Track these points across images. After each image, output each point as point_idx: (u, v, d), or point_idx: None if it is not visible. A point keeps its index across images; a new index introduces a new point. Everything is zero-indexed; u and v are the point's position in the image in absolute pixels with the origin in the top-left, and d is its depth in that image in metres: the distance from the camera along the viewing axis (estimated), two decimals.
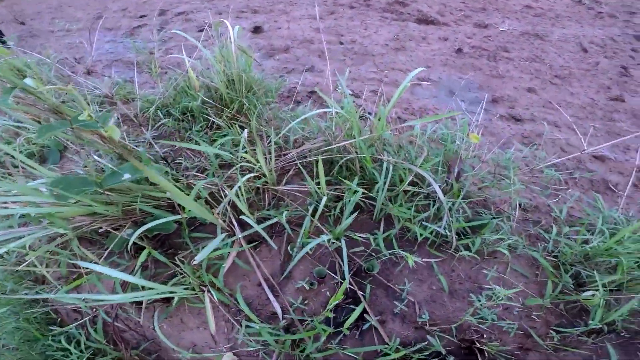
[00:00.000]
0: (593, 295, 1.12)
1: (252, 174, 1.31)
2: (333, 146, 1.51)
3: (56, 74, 2.56)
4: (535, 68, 2.96)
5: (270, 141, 1.48)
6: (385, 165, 1.44)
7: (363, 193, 1.41)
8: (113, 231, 1.28)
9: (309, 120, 1.77)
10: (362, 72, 2.96)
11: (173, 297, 1.18)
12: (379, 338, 1.18)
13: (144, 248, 1.19)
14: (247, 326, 1.15)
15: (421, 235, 1.36)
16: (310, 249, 1.27)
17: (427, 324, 1.20)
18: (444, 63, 3.05)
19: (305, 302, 1.21)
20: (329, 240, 1.28)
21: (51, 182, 1.10)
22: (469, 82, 2.80)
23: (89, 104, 2.08)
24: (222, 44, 1.97)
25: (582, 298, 1.16)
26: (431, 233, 1.37)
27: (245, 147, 1.43)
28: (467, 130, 1.67)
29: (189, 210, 1.17)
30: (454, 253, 1.38)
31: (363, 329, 1.18)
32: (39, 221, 1.20)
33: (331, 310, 1.16)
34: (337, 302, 1.02)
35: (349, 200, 1.29)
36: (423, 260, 1.32)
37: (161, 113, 2.01)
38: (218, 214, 1.30)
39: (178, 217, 1.19)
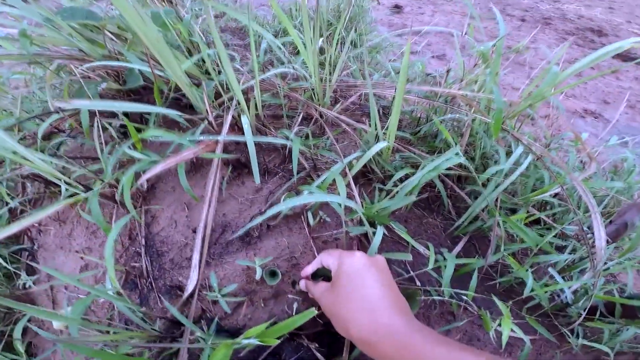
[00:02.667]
0: None
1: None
2: (437, 89, 0.86)
3: None
4: None
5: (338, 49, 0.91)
6: (517, 152, 0.75)
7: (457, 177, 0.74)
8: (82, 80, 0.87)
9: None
10: (508, 79, 2.19)
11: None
12: None
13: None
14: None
15: (533, 291, 0.64)
16: (314, 216, 0.66)
17: None
18: (631, 105, 2.07)
19: (237, 295, 0.61)
20: (351, 218, 0.65)
21: (59, 10, 0.77)
22: None
23: None
24: None
25: None
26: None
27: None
28: None
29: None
30: (569, 336, 0.66)
31: None
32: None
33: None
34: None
35: (425, 173, 0.64)
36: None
37: None
38: (212, 104, 0.79)
39: (146, 67, 0.72)
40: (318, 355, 0.60)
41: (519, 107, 0.90)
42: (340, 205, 0.59)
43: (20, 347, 0.70)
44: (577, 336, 0.66)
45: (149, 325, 0.57)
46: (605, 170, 1.07)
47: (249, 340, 0.43)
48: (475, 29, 1.02)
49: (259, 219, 0.56)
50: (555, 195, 0.87)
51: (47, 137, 0.85)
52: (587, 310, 0.65)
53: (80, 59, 0.81)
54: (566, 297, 0.69)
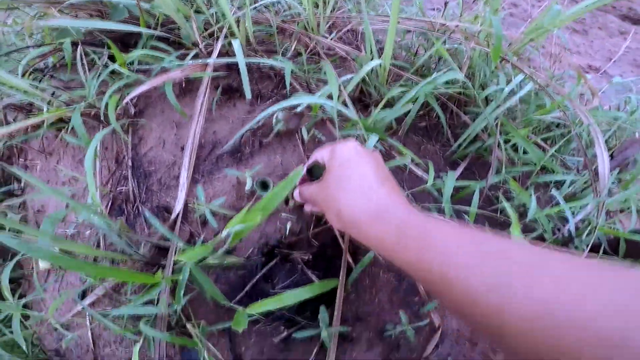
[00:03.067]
0: None
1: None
2: (436, 22, 0.83)
3: None
4: None
5: None
6: (517, 78, 0.72)
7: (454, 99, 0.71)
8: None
9: None
10: (514, 33, 2.13)
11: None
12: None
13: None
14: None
15: (536, 217, 0.62)
16: (308, 132, 0.64)
17: None
18: (637, 64, 2.02)
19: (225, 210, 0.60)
20: (347, 134, 0.63)
21: None
22: None
23: None
24: None
25: None
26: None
27: None
28: None
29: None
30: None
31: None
32: None
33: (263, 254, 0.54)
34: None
35: (422, 86, 0.62)
36: None
37: None
38: (202, 34, 0.76)
39: (129, 0, 0.68)
40: (312, 277, 0.59)
41: (520, 42, 0.87)
42: (332, 108, 0.56)
43: (7, 292, 0.68)
44: None
45: (134, 250, 0.56)
46: (608, 106, 1.04)
47: (228, 230, 0.41)
48: None
49: (247, 126, 0.54)
50: (557, 125, 0.85)
51: (27, 75, 0.82)
52: (589, 246, 0.63)
53: (60, 1, 0.78)
54: (569, 229, 0.66)
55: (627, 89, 1.57)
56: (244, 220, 0.40)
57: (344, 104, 0.63)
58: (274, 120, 0.60)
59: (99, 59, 0.76)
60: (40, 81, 0.79)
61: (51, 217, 0.48)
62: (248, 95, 0.61)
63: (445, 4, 0.92)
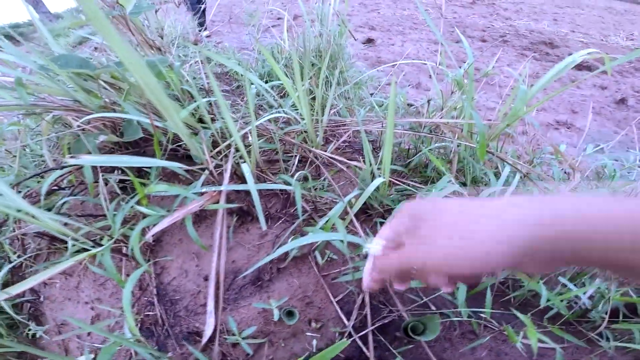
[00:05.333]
0: None
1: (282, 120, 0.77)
2: (423, 120, 0.91)
3: None
4: None
5: (327, 87, 0.95)
6: (505, 172, 0.78)
7: None
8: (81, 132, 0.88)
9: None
10: (482, 100, 2.30)
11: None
12: None
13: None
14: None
15: (549, 301, 0.64)
16: (322, 256, 0.67)
17: None
18: (597, 112, 2.20)
19: (256, 337, 0.60)
20: (358, 254, 0.66)
21: (53, 58, 0.78)
22: (628, 139, 1.91)
23: None
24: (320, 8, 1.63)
25: None
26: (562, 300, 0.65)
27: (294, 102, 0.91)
28: None
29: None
30: (598, 340, 0.65)
31: None
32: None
33: None
34: None
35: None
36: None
37: None
38: (211, 153, 0.81)
39: (144, 119, 0.73)
40: None
41: (497, 129, 0.96)
42: (342, 242, 0.60)
43: None
44: (607, 339, 0.65)
45: None
46: (589, 177, 1.12)
47: None
48: (445, 55, 1.08)
49: (267, 258, 0.56)
50: None
51: (47, 194, 0.84)
52: (608, 313, 0.66)
53: (76, 109, 0.81)
54: (584, 303, 0.69)
55: (595, 142, 1.69)
56: None
57: (352, 223, 0.67)
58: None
59: (115, 184, 0.78)
60: (59, 211, 0.80)
61: (104, 352, 0.49)
62: (264, 226, 0.64)
63: (429, 101, 1.01)
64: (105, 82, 0.87)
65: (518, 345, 0.55)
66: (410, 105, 1.25)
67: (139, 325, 0.66)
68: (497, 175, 0.85)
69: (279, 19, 4.14)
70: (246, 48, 2.91)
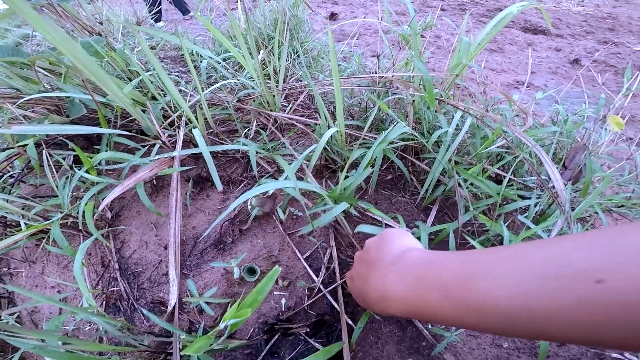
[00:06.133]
0: None
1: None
2: (375, 76, 0.90)
3: None
4: None
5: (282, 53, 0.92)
6: (457, 117, 0.80)
7: (411, 149, 0.77)
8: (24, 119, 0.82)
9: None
10: (443, 65, 2.34)
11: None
12: None
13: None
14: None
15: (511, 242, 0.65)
16: (284, 212, 0.66)
17: None
18: (553, 71, 2.28)
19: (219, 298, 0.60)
20: (323, 210, 0.66)
21: None
22: (583, 94, 2.00)
23: None
24: None
25: None
26: None
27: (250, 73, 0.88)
28: (600, 110, 0.96)
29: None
30: None
31: None
32: None
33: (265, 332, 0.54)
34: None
35: (376, 145, 0.66)
36: None
37: None
38: (162, 125, 0.77)
39: (85, 95, 0.69)
40: (317, 345, 0.59)
41: (448, 81, 0.97)
42: (295, 189, 0.58)
43: None
44: None
45: (138, 342, 0.54)
46: (544, 124, 1.16)
47: (225, 323, 0.42)
48: (399, 22, 1.08)
49: (221, 216, 0.55)
50: (507, 149, 0.93)
51: None
52: None
53: (16, 97, 0.77)
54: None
55: (553, 99, 1.76)
56: (236, 315, 0.41)
57: (310, 177, 0.66)
58: (249, 207, 0.62)
59: (64, 159, 0.74)
60: (10, 192, 0.76)
61: (55, 320, 0.47)
62: (219, 187, 0.62)
63: (377, 57, 1.01)
64: (43, 68, 0.82)
65: None
66: (366, 67, 1.24)
67: (104, 301, 0.64)
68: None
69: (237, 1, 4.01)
70: (203, 33, 2.80)
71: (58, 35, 0.54)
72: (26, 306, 0.72)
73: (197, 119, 0.70)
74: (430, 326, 0.60)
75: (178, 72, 1.45)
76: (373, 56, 2.38)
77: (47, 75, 0.81)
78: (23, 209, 0.68)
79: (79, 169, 0.75)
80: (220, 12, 2.89)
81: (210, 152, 0.64)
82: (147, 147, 0.74)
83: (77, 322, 0.64)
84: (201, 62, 1.19)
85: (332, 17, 3.32)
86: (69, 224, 0.67)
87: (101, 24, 1.30)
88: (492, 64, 2.31)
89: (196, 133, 0.66)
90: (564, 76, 2.25)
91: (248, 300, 0.43)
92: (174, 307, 0.58)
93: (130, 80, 0.95)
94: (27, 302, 0.72)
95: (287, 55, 1.43)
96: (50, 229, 0.61)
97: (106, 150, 0.78)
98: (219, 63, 0.92)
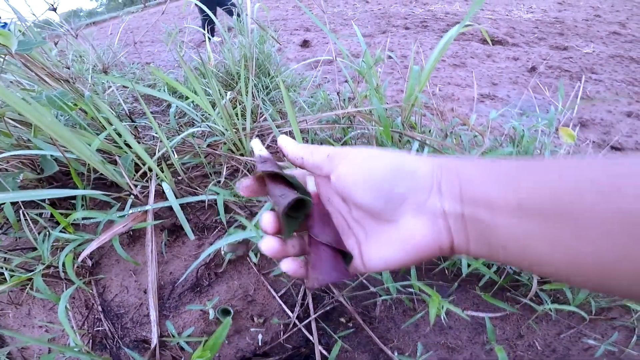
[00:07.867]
0: None
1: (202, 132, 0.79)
2: (338, 113, 0.97)
3: None
4: (635, 91, 2.23)
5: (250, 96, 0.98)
6: (415, 146, 0.87)
7: None
8: None
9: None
10: (398, 86, 2.45)
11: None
12: None
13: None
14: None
15: (470, 266, 0.69)
16: (256, 255, 0.70)
17: None
18: (514, 81, 2.43)
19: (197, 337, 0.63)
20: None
21: None
22: (545, 102, 2.14)
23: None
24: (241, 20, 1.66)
25: None
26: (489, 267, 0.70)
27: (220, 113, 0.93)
28: (553, 122, 1.04)
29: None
30: (533, 304, 0.66)
31: None
32: None
33: None
34: None
35: None
36: (468, 312, 0.66)
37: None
38: (134, 178, 0.81)
39: (56, 153, 0.72)
40: None
41: (406, 110, 1.04)
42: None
43: None
44: (545, 302, 0.64)
45: None
46: (505, 140, 1.24)
47: None
48: (370, 46, 1.15)
49: (195, 263, 0.59)
50: None
51: None
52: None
53: None
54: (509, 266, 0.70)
55: (517, 109, 1.87)
56: (200, 356, 0.45)
57: None
58: (222, 253, 0.66)
59: (41, 215, 0.77)
60: None
61: (45, 358, 0.50)
62: (191, 236, 0.66)
63: (338, 93, 1.08)
64: (13, 120, 0.84)
65: (463, 316, 0.59)
66: (332, 100, 1.31)
67: (90, 340, 0.67)
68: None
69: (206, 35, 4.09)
70: (179, 65, 2.86)
71: (16, 100, 0.55)
72: (16, 345, 0.73)
73: (165, 171, 0.74)
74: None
75: (153, 112, 1.49)
76: (345, 81, 2.48)
77: (17, 127, 0.83)
78: (5, 261, 0.70)
79: (57, 224, 0.77)
80: (194, 43, 2.95)
81: (180, 206, 0.68)
82: (121, 202, 0.77)
83: (66, 358, 0.66)
84: (169, 107, 1.23)
85: (305, 44, 3.44)
86: (51, 272, 0.70)
87: (68, 68, 1.33)
88: (456, 79, 2.44)
89: (165, 187, 0.70)
90: (524, 85, 2.39)
91: (209, 344, 0.47)
92: (156, 345, 0.61)
93: (104, 128, 0.98)
94: (17, 342, 0.74)
95: (258, 92, 1.49)
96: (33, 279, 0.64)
97: (82, 205, 0.81)
98: (189, 109, 0.97)
